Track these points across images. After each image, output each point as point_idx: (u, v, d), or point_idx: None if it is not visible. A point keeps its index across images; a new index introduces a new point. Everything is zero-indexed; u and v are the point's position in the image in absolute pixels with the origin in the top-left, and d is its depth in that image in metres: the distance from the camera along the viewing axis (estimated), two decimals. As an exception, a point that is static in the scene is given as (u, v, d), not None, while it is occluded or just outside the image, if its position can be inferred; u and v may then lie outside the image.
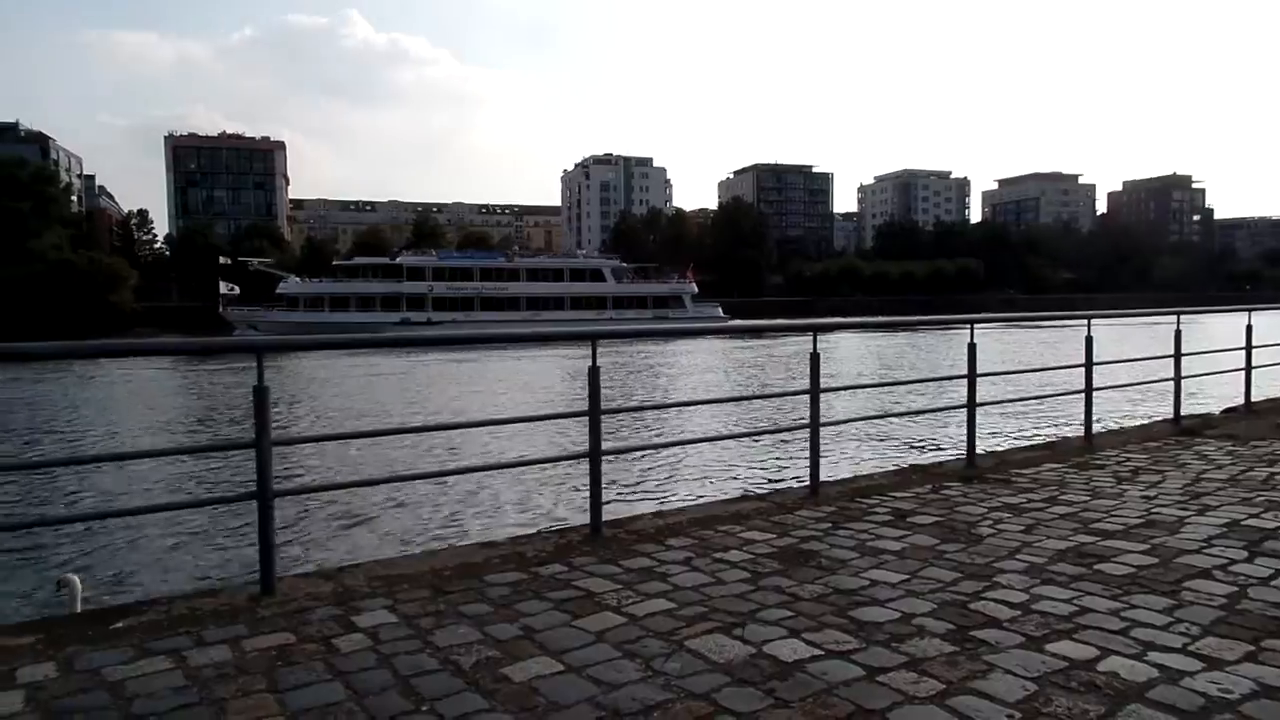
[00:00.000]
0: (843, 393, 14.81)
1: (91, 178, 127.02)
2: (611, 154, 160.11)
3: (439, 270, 70.59)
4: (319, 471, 13.58)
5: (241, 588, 4.29)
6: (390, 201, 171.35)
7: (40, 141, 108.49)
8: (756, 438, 15.68)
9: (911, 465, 7.73)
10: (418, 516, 10.90)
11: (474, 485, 12.09)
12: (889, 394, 21.74)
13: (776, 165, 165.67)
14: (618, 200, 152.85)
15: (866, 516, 5.41)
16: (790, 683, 3.01)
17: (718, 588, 4.07)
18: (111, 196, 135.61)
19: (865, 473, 7.52)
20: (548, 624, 3.62)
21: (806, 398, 6.21)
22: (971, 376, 7.11)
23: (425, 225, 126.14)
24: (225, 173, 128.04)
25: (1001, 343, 40.87)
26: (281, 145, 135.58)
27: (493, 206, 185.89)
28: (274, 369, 31.59)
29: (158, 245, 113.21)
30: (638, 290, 75.93)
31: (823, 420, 6.22)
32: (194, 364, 38.59)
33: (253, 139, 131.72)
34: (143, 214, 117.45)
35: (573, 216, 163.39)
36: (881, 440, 16.01)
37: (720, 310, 76.75)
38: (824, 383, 6.20)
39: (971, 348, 7.09)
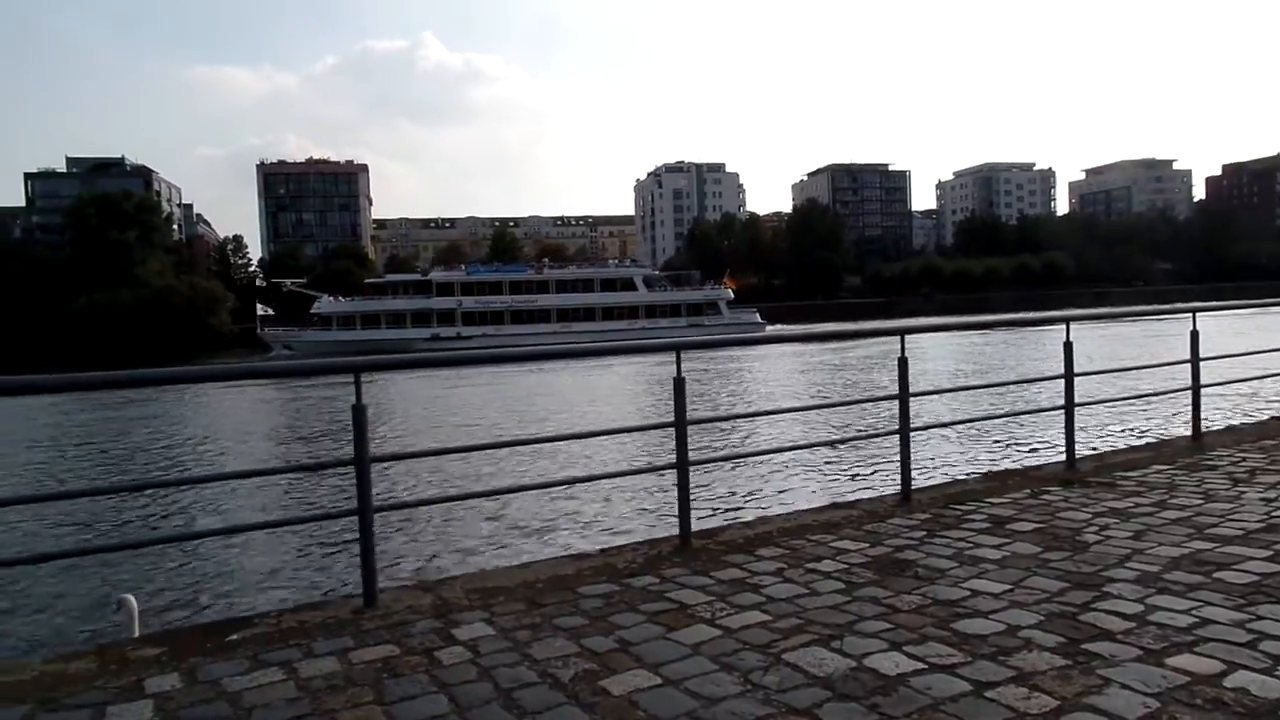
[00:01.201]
0: (932, 396, 14.43)
1: (190, 206, 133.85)
2: (683, 161, 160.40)
3: (467, 285, 70.62)
4: (411, 486, 13.94)
5: (345, 601, 4.43)
6: (468, 217, 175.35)
7: (144, 174, 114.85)
8: (844, 445, 15.44)
9: (1007, 470, 7.48)
10: (509, 529, 11.10)
11: (562, 498, 12.25)
12: (981, 396, 21.12)
13: (851, 165, 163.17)
14: (690, 207, 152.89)
15: (963, 524, 5.26)
16: (894, 698, 2.94)
17: (812, 599, 4.02)
18: (209, 223, 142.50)
19: (959, 478, 7.30)
20: (643, 636, 3.63)
21: (893, 403, 6.09)
22: (1069, 376, 6.85)
23: (502, 239, 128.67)
24: (312, 196, 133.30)
25: (1098, 340, 39.27)
26: (364, 168, 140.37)
27: (568, 218, 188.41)
28: (334, 386, 32.57)
29: (252, 269, 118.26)
30: (670, 298, 74.70)
31: (913, 425, 6.09)
32: (283, 384, 40.08)
33: (337, 163, 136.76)
34: (238, 239, 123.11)
35: (646, 225, 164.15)
36: (975, 445, 15.57)
37: (757, 316, 74.77)
38: (912, 386, 6.07)
39: (1068, 346, 6.84)
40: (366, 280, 76.44)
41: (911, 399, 6.06)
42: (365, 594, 4.22)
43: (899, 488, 6.12)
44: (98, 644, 4.16)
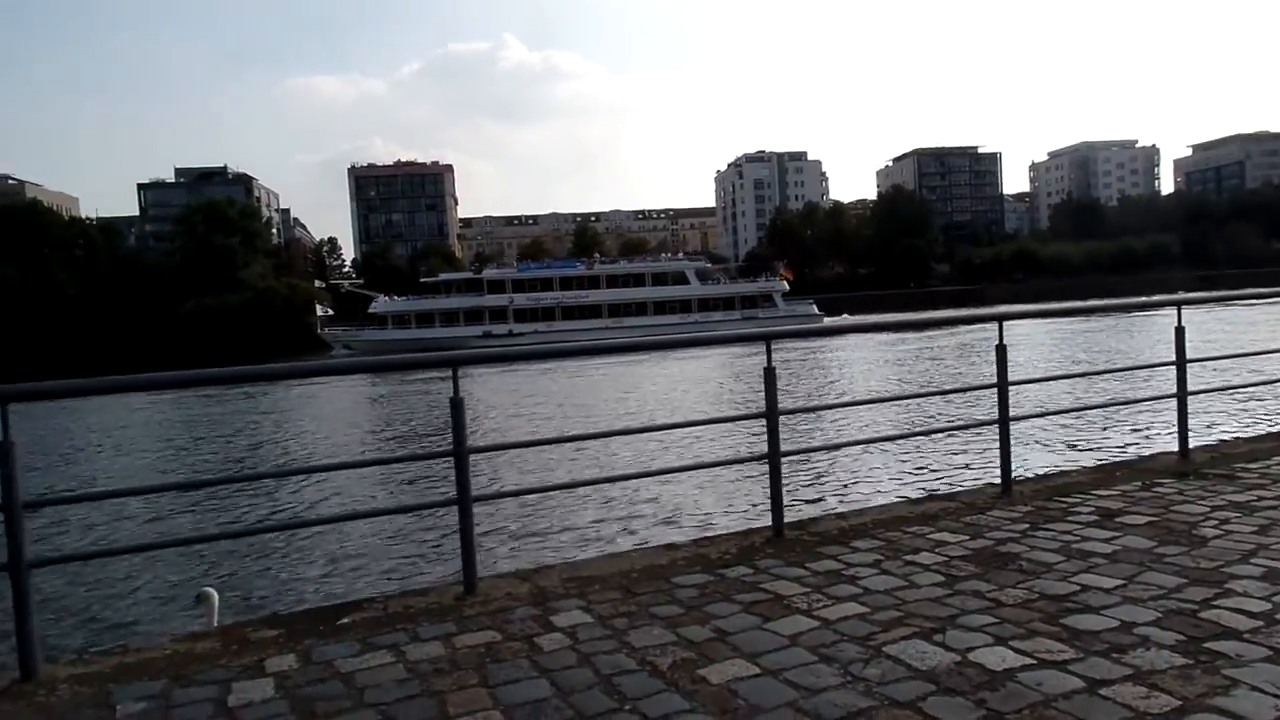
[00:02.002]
0: (1033, 385, 13.91)
1: (287, 211, 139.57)
2: (764, 151, 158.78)
3: (518, 282, 71.06)
4: (506, 477, 14.21)
5: (446, 588, 4.56)
6: (551, 213, 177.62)
7: (245, 182, 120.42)
8: (939, 435, 15.06)
9: (1115, 461, 7.17)
10: (601, 519, 11.26)
11: (654, 488, 12.35)
12: (1084, 385, 20.28)
13: (939, 149, 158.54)
14: (772, 197, 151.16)
15: (1068, 517, 5.07)
16: (1002, 693, 2.86)
17: (911, 591, 3.94)
18: (305, 227, 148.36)
19: (1063, 470, 7.02)
20: (739, 626, 3.63)
21: (990, 392, 5.91)
22: (1181, 363, 6.52)
23: (584, 234, 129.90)
24: (401, 198, 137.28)
25: (1211, 324, 37.18)
26: (449, 168, 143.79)
27: (649, 211, 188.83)
28: (428, 381, 33.44)
29: (345, 270, 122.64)
30: (723, 291, 73.52)
31: (1012, 414, 5.89)
32: (376, 379, 41.38)
33: (423, 164, 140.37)
34: (332, 241, 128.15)
35: (727, 216, 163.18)
36: (1079, 435, 14.95)
37: (814, 307, 73.00)
38: (1011, 374, 5.87)
39: (1179, 331, 6.50)
40: (421, 279, 77.67)
41: (1011, 387, 5.87)
42: (465, 581, 4.34)
43: (999, 479, 5.94)
44: (220, 624, 4.40)
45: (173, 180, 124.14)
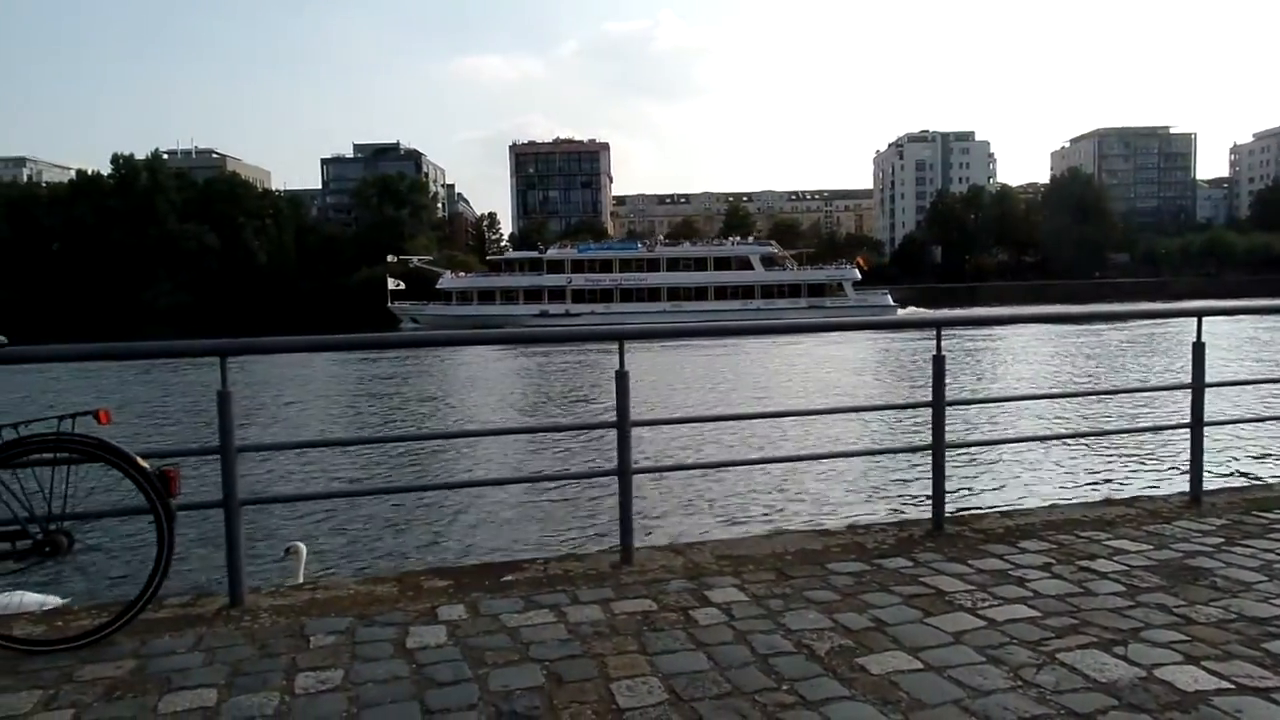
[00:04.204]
0: (1230, 388, 12.70)
1: (452, 186, 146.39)
2: (927, 131, 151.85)
3: (578, 263, 70.17)
4: (660, 450, 14.36)
5: (603, 555, 4.70)
6: (703, 193, 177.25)
7: (415, 158, 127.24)
8: (1117, 437, 14.07)
9: (1325, 476, 6.47)
10: (753, 499, 11.26)
11: (806, 472, 12.25)
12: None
13: (1123, 129, 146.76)
14: (934, 179, 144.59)
15: (1269, 534, 4.63)
16: (1194, 716, 2.66)
17: (1087, 599, 3.72)
18: (468, 202, 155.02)
19: (1265, 482, 6.41)
20: (898, 618, 3.54)
21: (1181, 393, 5.45)
22: None
23: (735, 214, 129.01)
24: (558, 175, 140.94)
25: None
26: (606, 146, 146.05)
27: (802, 193, 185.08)
28: (586, 353, 34.23)
29: (503, 244, 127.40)
30: (788, 278, 70.20)
31: (1208, 419, 5.43)
32: (535, 351, 42.73)
33: (581, 142, 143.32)
34: (492, 216, 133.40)
35: (885, 199, 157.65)
36: (1281, 445, 13.57)
37: (889, 298, 68.38)
38: (1208, 376, 5.40)
39: None
40: (487, 257, 78.22)
41: (1208, 390, 5.40)
42: (622, 550, 4.45)
43: (1187, 488, 5.50)
44: (398, 571, 4.73)
45: (351, 155, 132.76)
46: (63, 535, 3.36)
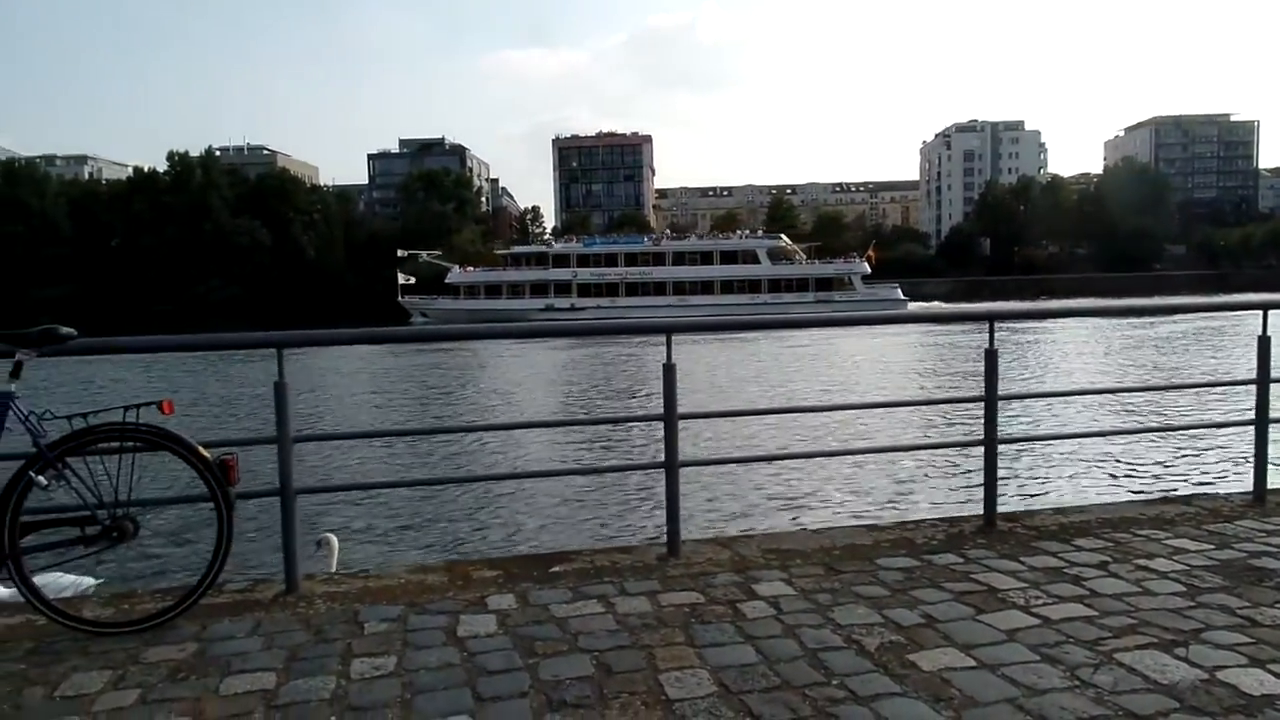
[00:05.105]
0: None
1: (496, 180, 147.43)
2: (976, 120, 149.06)
3: (583, 257, 69.88)
4: (705, 444, 14.34)
5: (649, 547, 4.71)
6: (746, 185, 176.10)
7: (460, 153, 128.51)
8: (1174, 434, 13.70)
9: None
10: (800, 493, 11.22)
11: (856, 466, 12.17)
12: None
13: (1180, 117, 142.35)
14: (983, 169, 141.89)
15: (1339, 534, 4.48)
16: (1260, 720, 2.59)
17: (1145, 599, 3.64)
18: (512, 196, 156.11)
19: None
20: (949, 615, 3.50)
21: (1244, 389, 5.29)
22: None
23: (779, 207, 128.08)
24: (601, 168, 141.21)
25: None
26: (648, 139, 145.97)
27: (847, 184, 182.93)
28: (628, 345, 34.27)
29: (546, 237, 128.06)
30: (795, 272, 69.08)
31: (1274, 415, 5.26)
32: (570, 344, 42.91)
33: (624, 135, 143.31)
34: (535, 210, 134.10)
35: (931, 190, 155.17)
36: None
37: (899, 291, 67.11)
38: (1275, 372, 5.23)
39: None
40: (496, 251, 77.91)
41: (1274, 385, 5.23)
42: (669, 543, 4.46)
43: (1251, 486, 5.34)
44: (449, 561, 4.79)
45: (397, 151, 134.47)
46: (129, 521, 3.47)
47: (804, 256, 73.06)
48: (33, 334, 3.40)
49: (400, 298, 69.92)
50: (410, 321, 64.26)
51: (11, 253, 79.50)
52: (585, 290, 68.44)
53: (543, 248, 75.33)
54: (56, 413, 3.40)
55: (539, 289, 69.45)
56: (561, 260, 70.58)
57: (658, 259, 70.76)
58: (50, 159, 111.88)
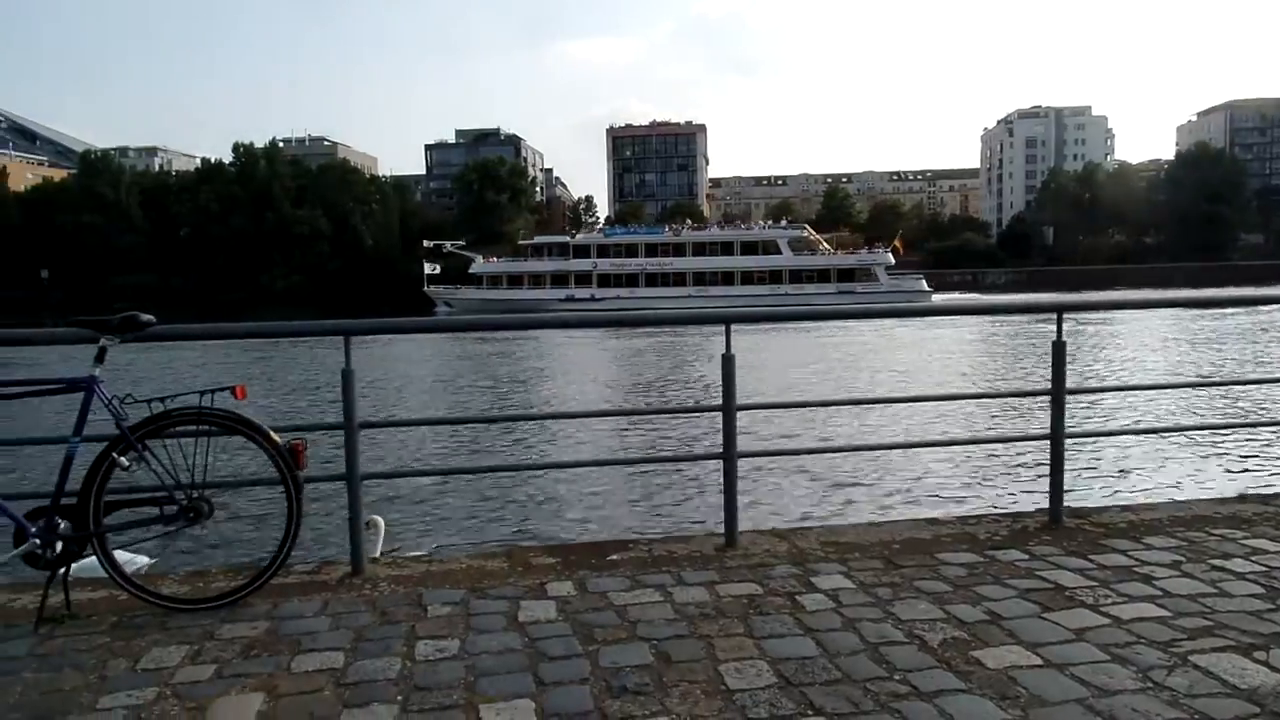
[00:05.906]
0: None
1: (550, 170, 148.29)
2: (1040, 106, 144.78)
3: (603, 247, 69.80)
4: (763, 434, 14.30)
5: (707, 538, 4.71)
6: (801, 174, 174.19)
7: (514, 143, 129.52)
8: (1254, 430, 13.21)
9: None
10: (858, 485, 11.12)
11: (916, 459, 12.03)
12: None
13: (1259, 100, 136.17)
14: (1046, 157, 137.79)
15: None
16: (1347, 728, 2.49)
17: (1222, 600, 3.52)
18: (565, 185, 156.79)
19: None
20: (1014, 612, 3.44)
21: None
22: None
23: (834, 196, 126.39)
24: (654, 158, 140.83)
25: None
26: (702, 128, 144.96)
27: (904, 173, 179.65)
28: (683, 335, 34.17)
29: (599, 226, 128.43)
30: (816, 263, 67.82)
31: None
32: (622, 334, 42.89)
33: (677, 125, 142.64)
34: (589, 199, 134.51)
35: (992, 178, 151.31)
36: None
37: (924, 283, 65.53)
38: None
39: None
40: (520, 241, 78.01)
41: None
42: (726, 534, 4.45)
43: (1334, 486, 5.12)
44: (508, 547, 4.86)
45: (453, 141, 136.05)
46: (204, 502, 3.59)
47: (828, 247, 72.23)
48: (115, 321, 3.53)
49: (426, 287, 70.88)
50: (435, 311, 64.82)
51: (90, 242, 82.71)
52: (605, 281, 68.86)
53: (564, 238, 75.88)
54: (138, 396, 3.53)
55: (559, 279, 69.87)
56: (582, 251, 70.92)
57: (678, 250, 70.60)
58: (123, 150, 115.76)
